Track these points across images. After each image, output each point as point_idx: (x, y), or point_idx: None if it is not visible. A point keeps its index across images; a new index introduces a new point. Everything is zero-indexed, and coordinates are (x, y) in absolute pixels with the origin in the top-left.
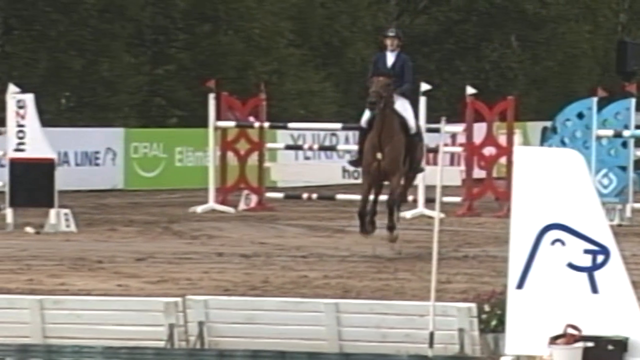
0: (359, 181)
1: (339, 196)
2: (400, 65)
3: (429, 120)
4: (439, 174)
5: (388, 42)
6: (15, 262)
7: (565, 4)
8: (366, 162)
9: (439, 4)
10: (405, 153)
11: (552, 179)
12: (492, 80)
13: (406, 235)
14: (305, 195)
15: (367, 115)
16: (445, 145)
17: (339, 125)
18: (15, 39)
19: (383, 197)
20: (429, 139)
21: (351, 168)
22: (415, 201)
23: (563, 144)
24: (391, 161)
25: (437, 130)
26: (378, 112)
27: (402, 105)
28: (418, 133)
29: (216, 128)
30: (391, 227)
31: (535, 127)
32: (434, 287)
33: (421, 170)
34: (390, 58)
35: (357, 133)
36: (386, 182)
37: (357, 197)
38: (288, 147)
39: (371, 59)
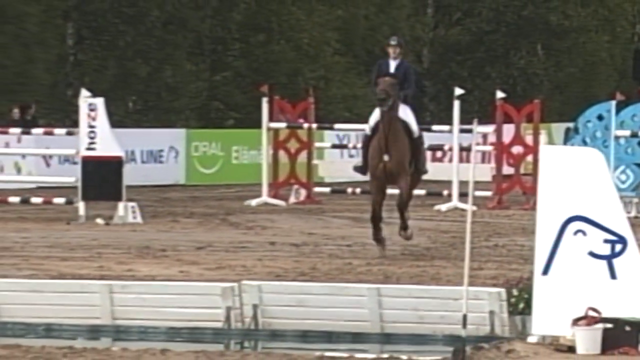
0: None
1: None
2: (402, 72)
3: (463, 121)
4: (472, 171)
5: (390, 50)
6: (87, 251)
7: (586, 16)
8: (373, 166)
9: (471, 15)
10: (410, 155)
11: (574, 175)
12: (519, 85)
13: (441, 227)
14: (349, 190)
15: (374, 117)
16: (477, 144)
17: None
18: (86, 48)
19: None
20: (462, 139)
21: None
22: (449, 195)
23: (584, 143)
24: (397, 163)
25: (469, 131)
26: (383, 115)
27: (404, 111)
28: (420, 136)
29: (269, 129)
30: (405, 227)
31: (559, 128)
32: (466, 273)
33: (425, 171)
34: (393, 65)
35: None
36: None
37: (394, 191)
38: (334, 146)
39: (374, 67)
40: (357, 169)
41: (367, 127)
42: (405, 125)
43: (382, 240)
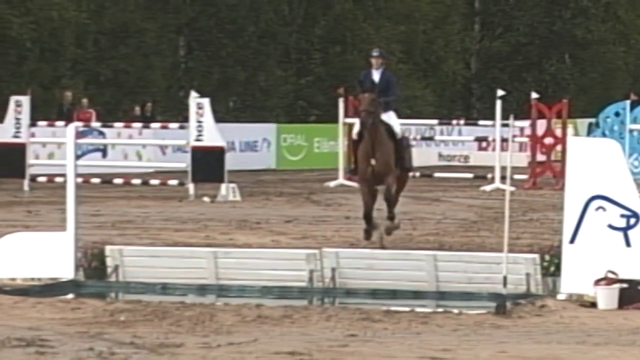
0: (452, 164)
1: (436, 174)
2: (385, 81)
3: (504, 117)
4: (509, 157)
5: (373, 61)
6: (195, 223)
7: (605, 31)
8: (362, 169)
9: (510, 30)
10: (395, 156)
11: (596, 162)
12: (550, 88)
13: (486, 204)
14: (410, 174)
15: (357, 127)
16: (515, 136)
17: (435, 121)
18: (195, 58)
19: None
20: (503, 132)
21: (446, 151)
22: (493, 178)
23: (604, 135)
24: (383, 164)
25: (508, 125)
26: (367, 124)
27: (387, 115)
28: (404, 138)
29: (344, 123)
30: (391, 217)
31: (583, 123)
32: (506, 242)
33: (411, 169)
34: (376, 75)
35: (448, 127)
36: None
37: (448, 174)
38: None
39: (359, 77)
40: (351, 171)
41: (354, 133)
42: (388, 128)
43: (369, 235)
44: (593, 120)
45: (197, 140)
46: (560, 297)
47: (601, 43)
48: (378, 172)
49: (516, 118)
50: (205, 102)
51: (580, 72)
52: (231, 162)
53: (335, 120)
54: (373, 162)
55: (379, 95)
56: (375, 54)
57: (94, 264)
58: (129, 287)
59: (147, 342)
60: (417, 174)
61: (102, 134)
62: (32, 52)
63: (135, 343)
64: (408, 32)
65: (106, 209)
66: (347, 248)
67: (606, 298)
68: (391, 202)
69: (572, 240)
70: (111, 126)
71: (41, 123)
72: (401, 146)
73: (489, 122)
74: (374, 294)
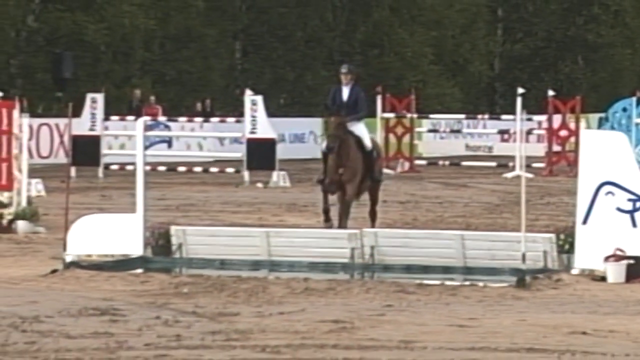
0: (477, 153)
1: (463, 163)
2: (354, 97)
3: (524, 111)
4: (520, 148)
5: (342, 77)
6: (250, 206)
7: (614, 35)
8: (329, 179)
9: (529, 35)
10: (365, 167)
11: (606, 152)
12: (565, 86)
13: (507, 189)
14: (440, 162)
15: (325, 143)
16: (534, 129)
17: (463, 116)
18: (249, 60)
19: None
20: (524, 125)
21: (472, 142)
22: (514, 166)
23: (613, 128)
24: (349, 174)
25: (529, 119)
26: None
27: (357, 128)
28: (373, 150)
29: (382, 118)
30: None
31: (594, 118)
32: (523, 223)
33: (380, 180)
34: (346, 91)
35: (474, 121)
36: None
37: (474, 163)
38: (430, 131)
39: (329, 92)
40: (319, 181)
41: (323, 146)
42: (358, 140)
43: (329, 223)
44: (603, 115)
45: (252, 132)
46: (573, 272)
47: (610, 46)
48: (342, 182)
49: (534, 113)
50: (259, 99)
51: (592, 72)
52: (281, 152)
53: (373, 115)
54: (341, 171)
55: (348, 112)
56: (344, 70)
57: (160, 242)
58: (191, 262)
59: (207, 312)
60: (447, 162)
61: (167, 127)
62: (106, 55)
63: (197, 312)
64: (438, 37)
65: (171, 194)
66: (385, 228)
67: (615, 273)
68: (347, 211)
69: (584, 222)
70: (175, 120)
71: (114, 117)
72: (370, 158)
73: (510, 117)
74: (408, 269)
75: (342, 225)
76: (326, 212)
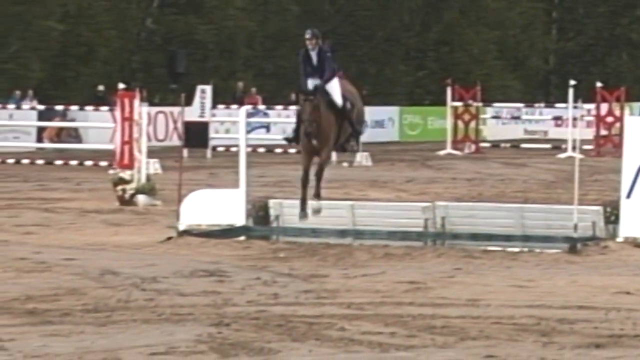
0: (534, 137)
1: (522, 145)
2: (322, 60)
3: (575, 101)
4: (572, 132)
5: (307, 42)
6: (336, 183)
7: None
8: (303, 145)
9: (580, 34)
10: (339, 123)
11: None
12: (611, 79)
13: (561, 168)
14: (502, 145)
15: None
16: (584, 115)
17: (522, 105)
18: (337, 56)
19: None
20: (575, 112)
21: (530, 127)
22: (566, 148)
23: None
24: (321, 140)
25: (579, 107)
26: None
27: (329, 86)
28: (345, 105)
29: (451, 106)
30: (318, 195)
31: (636, 106)
32: (576, 197)
33: (362, 131)
34: (314, 56)
35: (532, 109)
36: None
37: (531, 145)
38: (493, 117)
39: (298, 58)
40: (288, 140)
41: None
42: (329, 100)
43: (305, 202)
44: None
45: None
46: (618, 240)
47: None
48: (316, 148)
49: (584, 102)
50: None
51: (635, 66)
52: (364, 136)
53: (444, 103)
54: (315, 142)
55: (319, 74)
56: (307, 36)
57: (260, 214)
58: (287, 231)
59: (300, 273)
60: (508, 145)
61: (266, 114)
62: (213, 52)
63: (292, 274)
64: (501, 36)
65: (269, 172)
66: (454, 202)
67: None
68: (320, 179)
69: (628, 196)
70: (273, 108)
71: (220, 106)
72: (344, 112)
73: (563, 105)
74: (474, 237)
75: (316, 191)
76: (304, 183)
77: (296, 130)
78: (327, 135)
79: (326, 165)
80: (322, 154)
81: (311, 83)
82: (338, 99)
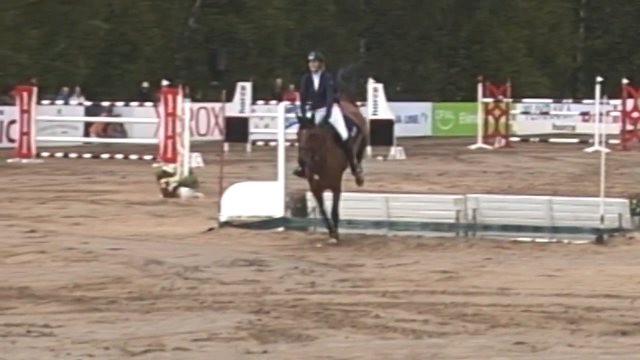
0: (562, 132)
1: (551, 140)
2: (323, 87)
3: (602, 97)
4: (598, 127)
5: (310, 64)
6: (372, 175)
7: None
8: (308, 178)
9: (607, 33)
10: (346, 156)
11: None
12: (637, 75)
13: (588, 162)
14: (531, 139)
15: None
16: (610, 111)
17: (550, 100)
18: (372, 54)
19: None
20: (602, 108)
21: (558, 122)
22: (593, 143)
23: None
24: (330, 181)
25: (606, 103)
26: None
27: (332, 118)
28: (349, 138)
29: (482, 102)
30: (336, 236)
31: None
32: (602, 189)
33: (358, 170)
34: (316, 80)
35: (560, 105)
36: None
37: (559, 140)
38: (522, 113)
39: (302, 81)
40: (297, 173)
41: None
42: (334, 134)
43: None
44: None
45: (374, 114)
46: None
47: None
48: (324, 186)
49: (611, 98)
50: (380, 86)
51: None
52: (398, 130)
53: (475, 99)
54: (316, 177)
55: (320, 100)
56: (311, 57)
57: (298, 205)
58: (318, 221)
59: (337, 263)
60: (537, 139)
61: None
62: (253, 50)
63: (329, 263)
64: (530, 35)
65: None
66: (485, 194)
67: None
68: (336, 221)
69: None
70: None
71: (259, 102)
72: (348, 148)
73: (591, 101)
74: (505, 228)
75: (334, 214)
76: (319, 201)
77: (301, 163)
78: (333, 173)
79: (339, 200)
80: (333, 195)
81: (316, 115)
82: (343, 132)
